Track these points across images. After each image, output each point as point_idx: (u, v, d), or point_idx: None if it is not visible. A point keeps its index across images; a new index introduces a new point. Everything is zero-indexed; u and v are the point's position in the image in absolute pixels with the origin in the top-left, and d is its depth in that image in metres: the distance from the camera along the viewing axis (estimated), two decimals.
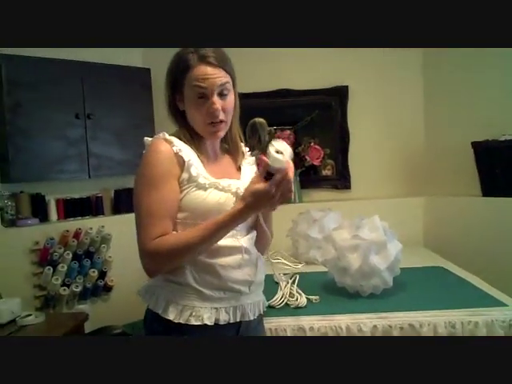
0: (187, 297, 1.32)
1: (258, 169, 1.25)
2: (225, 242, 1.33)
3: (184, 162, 1.32)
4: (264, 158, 1.21)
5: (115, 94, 3.26)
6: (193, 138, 1.38)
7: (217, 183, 1.34)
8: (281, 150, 1.20)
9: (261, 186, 1.22)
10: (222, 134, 1.38)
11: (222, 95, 1.34)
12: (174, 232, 1.31)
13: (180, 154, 1.32)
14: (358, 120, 3.51)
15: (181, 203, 1.32)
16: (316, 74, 3.51)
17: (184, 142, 1.37)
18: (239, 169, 1.48)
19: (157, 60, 3.55)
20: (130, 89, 3.33)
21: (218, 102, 1.33)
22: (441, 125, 3.39)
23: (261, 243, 1.47)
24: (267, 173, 1.21)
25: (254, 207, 1.25)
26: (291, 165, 1.22)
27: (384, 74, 3.49)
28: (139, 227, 1.30)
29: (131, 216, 1.33)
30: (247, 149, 1.54)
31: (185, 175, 1.32)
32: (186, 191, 1.32)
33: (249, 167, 1.48)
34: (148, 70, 3.45)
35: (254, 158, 1.50)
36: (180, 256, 1.28)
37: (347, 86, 3.50)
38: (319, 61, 3.50)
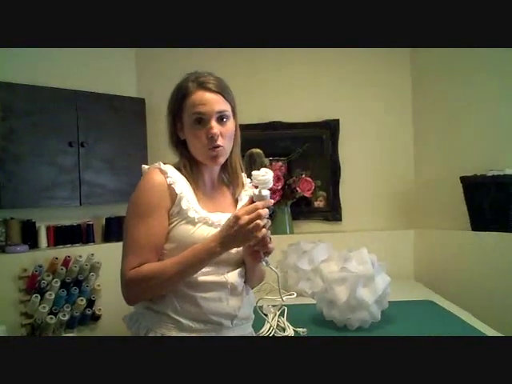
0: (165, 326, 1.32)
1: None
2: (208, 277, 1.32)
3: (176, 194, 1.33)
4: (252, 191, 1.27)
5: (109, 122, 3.30)
6: (192, 169, 1.39)
7: (206, 218, 1.33)
8: (263, 174, 1.27)
9: (243, 214, 1.26)
10: (221, 159, 1.38)
11: (221, 121, 1.36)
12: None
13: (173, 186, 1.33)
14: (348, 152, 3.56)
15: (169, 235, 1.33)
16: (307, 107, 3.57)
17: (183, 172, 1.38)
18: (236, 201, 1.48)
19: (151, 90, 3.63)
20: (124, 118, 3.39)
21: (216, 126, 1.34)
22: (430, 159, 3.44)
23: (252, 278, 1.46)
24: (252, 203, 1.26)
25: (227, 239, 1.25)
26: (265, 193, 1.28)
27: (374, 109, 3.56)
28: (123, 256, 1.32)
29: (122, 244, 1.35)
30: (249, 180, 1.56)
31: (175, 208, 1.32)
32: (174, 224, 1.32)
33: (246, 199, 1.48)
34: (142, 100, 3.51)
35: (253, 190, 1.53)
36: (154, 286, 1.29)
37: (338, 120, 3.56)
38: (311, 94, 3.57)
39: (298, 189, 3.34)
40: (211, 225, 1.34)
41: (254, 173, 1.25)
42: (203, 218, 1.33)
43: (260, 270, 1.49)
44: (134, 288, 1.29)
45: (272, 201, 1.27)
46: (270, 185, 1.25)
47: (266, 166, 3.28)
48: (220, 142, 1.35)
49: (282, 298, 1.54)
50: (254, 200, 1.26)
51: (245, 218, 1.22)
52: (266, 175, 1.25)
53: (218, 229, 1.32)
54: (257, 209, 1.22)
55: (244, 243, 1.30)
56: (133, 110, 3.44)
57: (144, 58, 3.63)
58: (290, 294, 2.67)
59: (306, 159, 3.56)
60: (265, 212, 1.23)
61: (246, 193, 1.50)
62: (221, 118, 1.36)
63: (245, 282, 1.47)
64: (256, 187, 1.27)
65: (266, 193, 1.25)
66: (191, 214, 1.32)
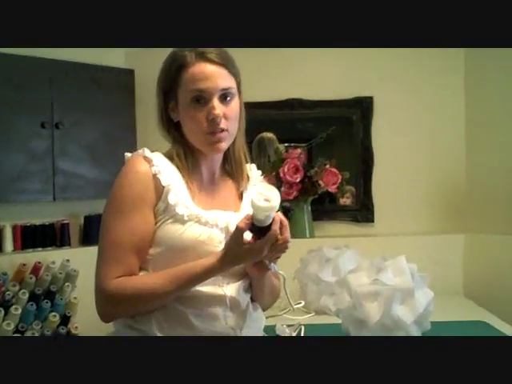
0: None
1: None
2: (203, 288, 1.33)
3: (163, 187, 1.34)
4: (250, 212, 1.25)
5: (90, 99, 3.32)
6: (187, 157, 1.40)
7: (199, 216, 1.34)
8: (268, 197, 1.22)
9: (241, 243, 1.25)
10: (224, 145, 1.39)
11: (224, 100, 1.36)
12: (141, 273, 1.33)
13: (158, 176, 1.34)
14: (384, 138, 3.55)
15: (154, 236, 1.33)
16: (333, 81, 3.57)
17: (175, 161, 1.39)
18: (241, 196, 1.49)
19: (142, 60, 3.63)
20: (109, 93, 3.40)
21: (219, 106, 1.34)
22: (486, 148, 3.42)
23: (261, 294, 1.47)
24: (252, 224, 1.25)
25: (233, 262, 1.29)
26: (280, 217, 1.26)
27: (417, 83, 3.54)
28: (100, 260, 1.33)
29: None
30: (256, 170, 1.56)
31: (161, 204, 1.33)
32: (161, 223, 1.33)
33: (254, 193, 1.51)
34: (131, 72, 3.52)
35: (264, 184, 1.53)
36: (142, 304, 1.31)
37: (371, 97, 3.54)
38: (337, 66, 3.56)
39: (320, 182, 3.33)
40: (205, 224, 1.34)
41: (254, 201, 1.23)
42: (195, 215, 1.34)
43: (270, 283, 1.49)
44: (115, 304, 1.30)
45: (283, 222, 1.27)
46: (275, 210, 1.25)
47: (280, 154, 3.34)
48: (223, 124, 1.35)
49: (291, 305, 1.52)
50: (256, 224, 1.25)
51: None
52: (269, 203, 1.23)
53: (214, 229, 1.34)
54: (270, 236, 1.24)
55: (253, 261, 1.33)
56: (120, 83, 3.45)
57: None
58: (298, 303, 2.66)
59: (330, 146, 3.55)
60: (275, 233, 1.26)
61: (256, 188, 1.50)
62: (224, 97, 1.36)
63: (253, 300, 1.48)
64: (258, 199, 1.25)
65: (271, 215, 1.25)
66: (180, 210, 1.33)
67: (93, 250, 3.15)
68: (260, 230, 1.24)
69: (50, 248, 3.25)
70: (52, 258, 3.11)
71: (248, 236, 1.27)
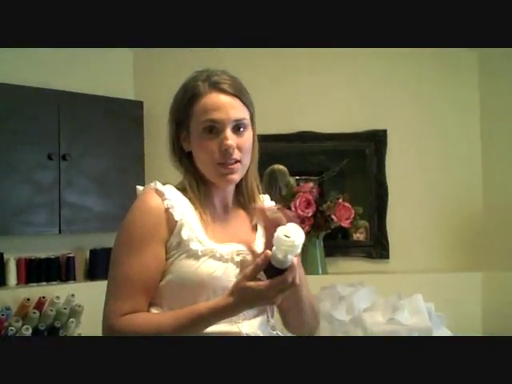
0: None
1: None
2: (216, 325, 1.30)
3: (175, 221, 1.34)
4: (268, 252, 1.22)
5: (98, 130, 3.35)
6: (199, 189, 1.40)
7: (213, 250, 1.32)
8: (292, 236, 1.20)
9: (253, 285, 1.22)
10: (236, 177, 1.39)
11: (237, 131, 1.36)
12: (152, 309, 1.33)
13: (171, 210, 1.34)
14: (398, 172, 3.55)
15: (167, 270, 1.33)
16: (346, 114, 3.58)
17: (187, 194, 1.39)
18: (255, 228, 1.48)
19: (151, 92, 3.68)
20: (118, 125, 3.43)
21: (232, 137, 1.35)
22: (503, 182, 3.40)
23: (302, 314, 1.43)
24: (270, 264, 1.23)
25: (243, 306, 1.26)
26: (295, 265, 1.24)
27: (432, 116, 3.55)
28: (108, 295, 1.33)
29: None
30: (269, 200, 1.56)
31: (174, 239, 1.32)
32: (174, 258, 1.32)
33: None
34: (140, 103, 3.55)
35: (276, 214, 1.53)
36: None
37: (385, 130, 3.56)
38: (350, 98, 3.58)
39: (333, 217, 3.33)
40: (219, 259, 1.33)
41: (279, 232, 1.22)
42: (209, 250, 1.33)
43: (308, 297, 1.47)
44: None
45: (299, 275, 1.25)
46: (299, 250, 1.24)
47: (291, 188, 3.34)
48: (236, 155, 1.35)
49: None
50: (273, 263, 1.24)
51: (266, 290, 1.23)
52: (295, 238, 1.20)
53: (229, 264, 1.33)
54: (282, 281, 1.23)
55: (262, 305, 1.32)
56: (128, 114, 3.48)
57: (143, 53, 3.70)
58: None
59: (343, 179, 3.56)
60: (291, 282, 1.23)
61: (284, 227, 1.50)
62: (237, 127, 1.36)
63: (290, 331, 1.47)
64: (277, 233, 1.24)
65: (290, 258, 1.24)
66: (194, 245, 1.32)
67: (99, 285, 3.18)
68: (276, 271, 1.23)
69: (54, 282, 3.24)
70: (57, 292, 3.10)
71: (261, 276, 1.25)
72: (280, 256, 1.20)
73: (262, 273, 1.24)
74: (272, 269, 1.23)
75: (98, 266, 3.36)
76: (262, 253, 1.25)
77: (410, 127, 3.56)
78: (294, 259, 1.23)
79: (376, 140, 3.56)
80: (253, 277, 1.23)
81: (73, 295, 3.13)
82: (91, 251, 3.40)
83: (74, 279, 3.31)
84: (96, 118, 3.34)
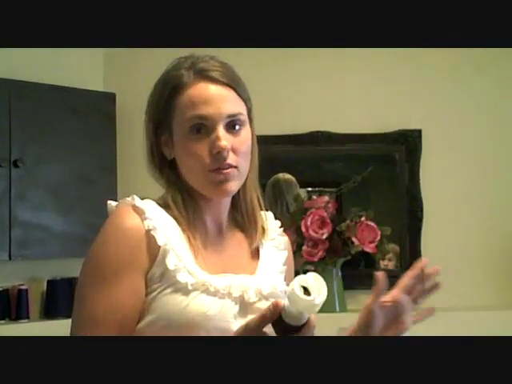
0: None
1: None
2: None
3: (158, 247, 1.33)
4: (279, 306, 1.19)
5: (59, 129, 3.34)
6: (186, 205, 1.38)
7: (206, 283, 1.29)
8: (311, 290, 1.16)
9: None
10: (232, 186, 1.36)
11: (231, 129, 1.34)
12: None
13: (153, 233, 1.32)
14: (436, 183, 3.54)
15: (149, 308, 1.32)
16: (370, 110, 3.59)
17: (171, 211, 1.37)
18: (257, 253, 1.48)
19: (125, 82, 3.68)
20: (83, 122, 3.42)
21: (225, 137, 1.32)
22: None
23: None
24: (280, 317, 1.22)
25: None
26: (314, 322, 1.23)
27: (478, 114, 3.55)
28: None
29: (71, 322, 1.32)
30: (273, 219, 1.56)
31: (156, 268, 1.28)
32: (156, 293, 1.28)
33: (273, 252, 1.48)
34: (111, 96, 3.55)
35: (284, 238, 1.50)
36: None
37: (419, 131, 3.55)
38: (375, 91, 3.58)
39: (354, 240, 3.32)
40: (214, 294, 1.29)
41: (295, 286, 1.19)
42: (201, 282, 1.29)
43: None
44: None
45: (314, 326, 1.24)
46: (318, 308, 1.21)
47: (301, 202, 3.34)
48: (231, 160, 1.32)
49: None
50: (284, 318, 1.22)
51: None
52: (315, 296, 1.15)
53: (226, 300, 1.31)
54: None
55: None
56: (97, 110, 3.48)
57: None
58: None
59: (366, 192, 3.55)
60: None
61: (274, 242, 1.48)
62: (232, 125, 1.33)
63: None
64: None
65: (307, 315, 1.22)
66: (182, 277, 1.28)
67: (58, 326, 3.17)
68: (288, 327, 1.22)
69: (2, 321, 3.22)
70: (5, 334, 3.09)
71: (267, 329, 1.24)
72: (294, 312, 1.18)
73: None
74: (283, 323, 1.21)
75: (58, 301, 3.35)
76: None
77: (451, 127, 3.56)
78: (311, 316, 1.20)
79: (408, 142, 3.56)
80: (257, 332, 1.21)
81: None
82: (49, 282, 3.39)
83: (28, 318, 3.30)
84: (56, 114, 3.33)
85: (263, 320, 1.20)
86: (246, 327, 1.23)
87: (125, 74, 3.61)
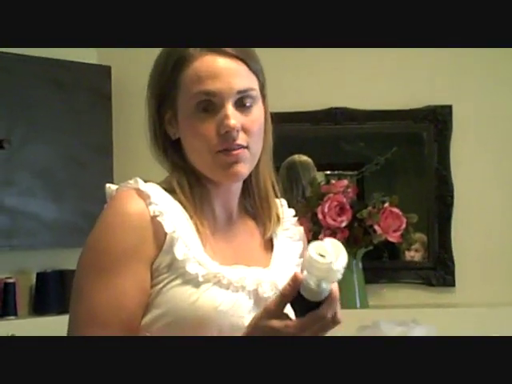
0: None
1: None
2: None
3: (165, 234, 1.33)
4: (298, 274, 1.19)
5: (48, 107, 3.35)
6: (193, 189, 1.38)
7: (219, 275, 1.30)
8: (329, 255, 1.17)
9: (279, 325, 1.20)
10: (243, 169, 1.36)
11: (242, 107, 1.35)
12: None
13: (159, 219, 1.32)
14: (468, 165, 3.54)
15: (154, 302, 1.32)
16: (394, 84, 3.58)
17: (177, 195, 1.37)
18: (270, 244, 1.49)
19: (122, 55, 3.66)
20: (75, 99, 3.43)
21: (235, 115, 1.33)
22: None
23: None
24: (299, 295, 1.21)
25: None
26: (336, 294, 1.23)
27: None
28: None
29: (64, 319, 1.33)
30: (287, 208, 1.56)
31: (163, 258, 1.28)
32: (163, 284, 1.29)
33: (288, 243, 1.49)
34: (107, 69, 3.56)
35: (299, 228, 1.52)
36: None
37: (450, 107, 3.55)
38: (399, 62, 3.57)
39: (376, 228, 3.33)
40: (227, 287, 1.29)
41: (312, 251, 1.19)
42: (213, 274, 1.29)
43: None
44: None
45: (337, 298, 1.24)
46: (339, 276, 1.20)
47: (318, 187, 3.34)
48: (242, 140, 1.32)
49: None
50: (304, 294, 1.21)
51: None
52: (333, 259, 1.16)
53: (240, 294, 1.32)
54: (318, 318, 1.20)
55: None
56: (90, 85, 3.48)
57: None
58: None
59: (391, 175, 3.56)
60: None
61: (285, 232, 1.50)
62: (242, 102, 1.33)
63: None
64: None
65: (327, 287, 1.20)
66: (192, 267, 1.28)
67: (49, 323, 3.19)
68: (308, 305, 1.21)
69: None
70: None
71: (287, 310, 1.24)
72: (312, 284, 1.18)
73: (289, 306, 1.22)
74: (302, 301, 1.21)
75: (49, 295, 3.35)
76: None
77: (484, 103, 3.55)
78: (334, 286, 1.20)
79: (437, 120, 3.55)
80: (278, 313, 1.21)
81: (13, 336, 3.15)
82: (39, 275, 3.39)
83: (15, 314, 3.31)
84: (44, 89, 3.33)
85: (283, 299, 1.21)
86: (266, 310, 1.23)
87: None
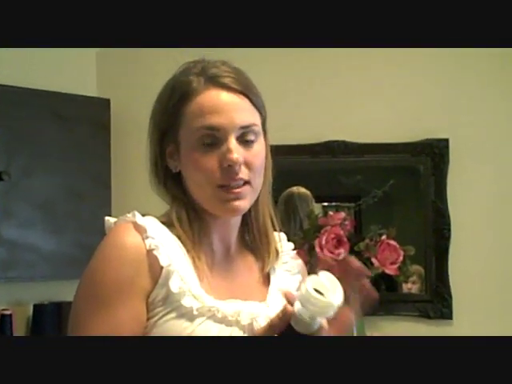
0: None
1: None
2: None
3: (161, 268, 1.33)
4: (290, 297, 1.21)
5: (47, 139, 3.36)
6: (192, 223, 1.38)
7: (213, 309, 1.30)
8: (325, 291, 1.17)
9: None
10: (244, 205, 1.37)
11: (244, 142, 1.35)
12: None
13: (155, 253, 1.32)
14: (465, 198, 3.54)
15: (151, 333, 1.31)
16: (391, 118, 3.60)
17: (176, 230, 1.35)
18: (267, 278, 1.48)
19: (122, 88, 3.68)
20: (74, 131, 3.44)
21: (237, 150, 1.33)
22: None
23: None
24: (289, 326, 1.21)
25: None
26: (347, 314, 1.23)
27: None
28: None
29: None
30: (286, 241, 1.54)
31: (159, 291, 1.28)
32: (158, 317, 1.29)
33: (286, 276, 1.49)
34: (106, 102, 3.57)
35: (297, 261, 1.51)
36: None
37: (447, 140, 3.56)
38: (396, 96, 3.60)
39: (373, 260, 3.32)
40: (221, 321, 1.29)
41: (308, 285, 1.15)
42: (208, 308, 1.29)
43: None
44: None
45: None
46: (334, 312, 1.19)
47: (316, 219, 3.34)
48: (244, 175, 1.33)
49: None
50: (294, 325, 1.21)
51: None
52: (331, 295, 1.16)
53: (234, 328, 1.31)
54: None
55: None
56: (90, 117, 3.49)
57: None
58: None
59: (388, 208, 3.55)
60: None
61: (286, 266, 1.50)
62: (245, 138, 1.35)
63: None
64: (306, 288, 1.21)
65: (320, 321, 1.21)
66: (187, 301, 1.28)
67: None
68: (297, 336, 1.21)
69: None
70: None
71: None
72: (306, 318, 1.18)
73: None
74: (291, 332, 1.21)
75: (45, 327, 3.36)
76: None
77: (481, 136, 3.57)
78: (323, 321, 1.21)
79: (434, 153, 3.57)
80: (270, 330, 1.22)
81: None
82: (36, 307, 3.40)
83: None
84: (45, 122, 3.36)
85: (271, 328, 1.22)
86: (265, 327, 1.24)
87: (120, 77, 3.62)
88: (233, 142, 1.33)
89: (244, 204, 1.36)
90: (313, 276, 1.19)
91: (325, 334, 1.22)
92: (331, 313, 1.18)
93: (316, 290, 1.16)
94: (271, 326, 1.22)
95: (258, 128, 1.38)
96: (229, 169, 1.32)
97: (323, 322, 1.21)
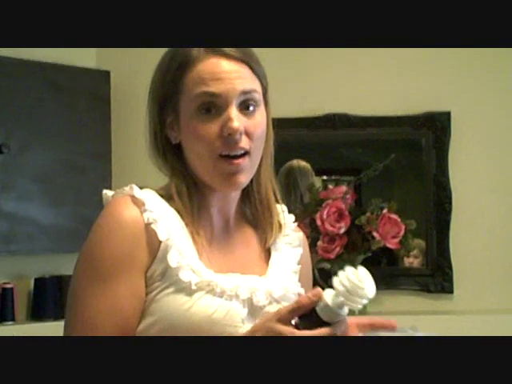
0: None
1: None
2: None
3: (159, 242, 1.32)
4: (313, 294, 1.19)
5: (47, 112, 3.35)
6: (191, 196, 1.37)
7: (212, 283, 1.30)
8: (362, 281, 1.18)
9: (287, 331, 1.18)
10: (245, 179, 1.36)
11: (245, 110, 1.34)
12: None
13: (153, 227, 1.31)
14: (467, 171, 3.53)
15: (148, 309, 1.31)
16: (393, 91, 3.58)
17: (175, 203, 1.35)
18: (268, 252, 1.47)
19: (122, 59, 3.66)
20: (74, 104, 3.43)
21: (238, 117, 1.32)
22: None
23: None
24: (312, 310, 1.20)
25: None
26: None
27: None
28: None
29: (62, 325, 1.33)
30: (287, 214, 1.52)
31: (157, 265, 1.28)
32: (157, 292, 1.29)
33: (287, 249, 1.49)
34: (106, 74, 3.56)
35: (299, 234, 1.50)
36: None
37: (449, 113, 3.54)
38: (398, 68, 3.58)
39: (374, 234, 3.32)
40: (220, 295, 1.29)
41: (351, 275, 1.16)
42: (207, 282, 1.29)
43: None
44: None
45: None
46: (365, 302, 1.19)
47: (317, 192, 3.34)
48: (244, 143, 1.31)
49: None
50: (319, 311, 1.20)
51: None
52: (368, 287, 1.18)
53: (234, 302, 1.31)
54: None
55: None
56: (89, 90, 3.48)
57: None
58: None
59: (389, 182, 3.55)
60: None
61: (287, 238, 1.49)
62: (246, 105, 1.32)
63: None
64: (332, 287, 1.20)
65: (346, 310, 1.21)
66: (185, 275, 1.27)
67: (46, 328, 3.17)
68: (318, 322, 1.20)
69: None
70: None
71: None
72: (334, 305, 1.18)
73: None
74: (313, 317, 1.20)
75: (47, 301, 3.35)
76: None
77: (483, 109, 3.55)
78: (346, 312, 1.20)
79: (435, 126, 3.55)
80: (288, 320, 1.20)
81: None
82: (37, 281, 3.40)
83: (13, 319, 3.31)
84: (43, 94, 3.34)
85: (298, 308, 1.20)
86: (278, 314, 1.21)
87: (121, 49, 3.59)
88: (234, 110, 1.32)
89: (244, 178, 1.35)
90: (351, 267, 1.19)
91: (344, 326, 1.21)
92: (363, 304, 1.18)
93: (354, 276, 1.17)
94: (299, 304, 1.20)
95: (259, 96, 1.37)
96: (229, 137, 1.31)
97: (346, 314, 1.20)
